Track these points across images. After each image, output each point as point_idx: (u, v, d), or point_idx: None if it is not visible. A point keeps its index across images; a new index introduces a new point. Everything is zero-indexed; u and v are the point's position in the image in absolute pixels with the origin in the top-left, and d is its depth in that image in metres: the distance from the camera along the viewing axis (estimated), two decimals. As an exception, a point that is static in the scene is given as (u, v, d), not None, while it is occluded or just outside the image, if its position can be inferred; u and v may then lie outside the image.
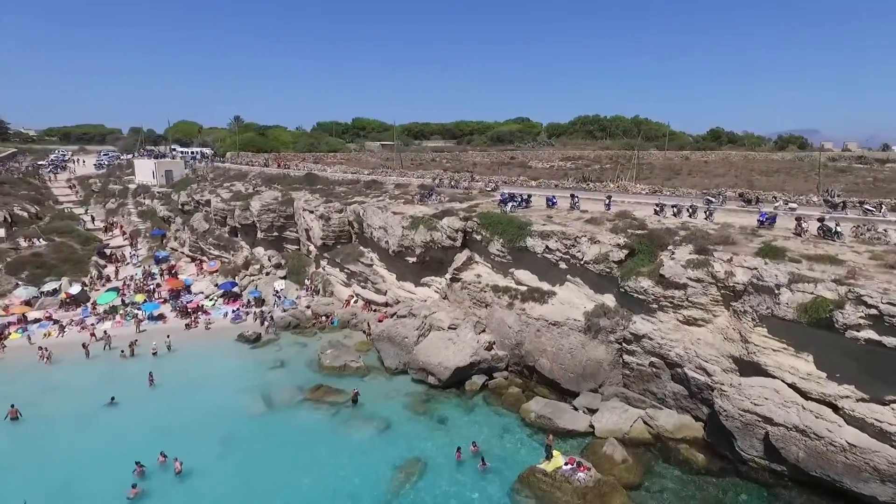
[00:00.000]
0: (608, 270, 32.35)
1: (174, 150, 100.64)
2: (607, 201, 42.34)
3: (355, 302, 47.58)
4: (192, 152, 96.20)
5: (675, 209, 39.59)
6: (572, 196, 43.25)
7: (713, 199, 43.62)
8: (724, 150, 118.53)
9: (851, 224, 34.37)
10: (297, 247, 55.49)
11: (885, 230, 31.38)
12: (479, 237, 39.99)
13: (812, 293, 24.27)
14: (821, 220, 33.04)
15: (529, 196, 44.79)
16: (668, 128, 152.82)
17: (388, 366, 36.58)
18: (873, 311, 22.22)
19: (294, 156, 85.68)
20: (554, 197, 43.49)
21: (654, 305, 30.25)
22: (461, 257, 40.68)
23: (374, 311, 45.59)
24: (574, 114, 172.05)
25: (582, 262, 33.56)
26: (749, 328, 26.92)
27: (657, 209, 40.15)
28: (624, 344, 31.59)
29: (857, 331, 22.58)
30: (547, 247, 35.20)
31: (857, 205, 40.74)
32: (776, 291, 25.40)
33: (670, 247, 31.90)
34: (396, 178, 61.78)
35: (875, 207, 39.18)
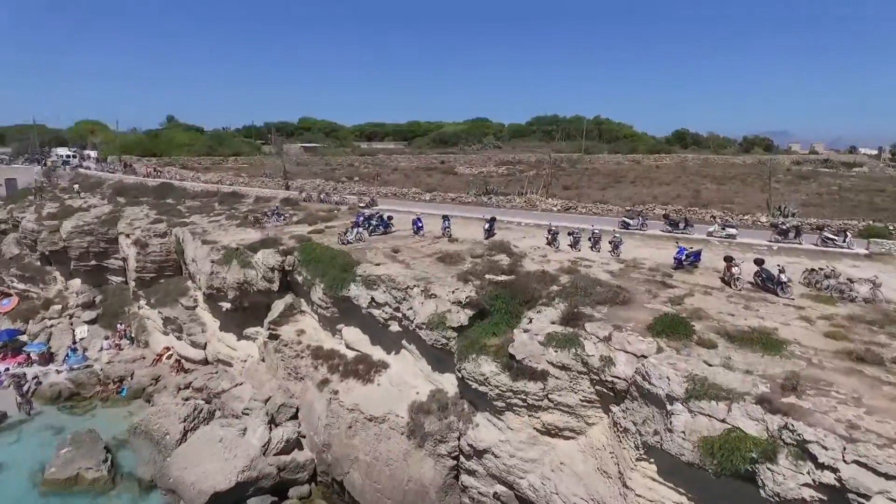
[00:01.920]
0: (443, 342, 21.32)
1: (52, 153, 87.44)
2: (487, 225, 31.41)
3: (168, 357, 35.84)
4: (66, 156, 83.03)
5: (573, 238, 28.85)
6: (444, 219, 32.22)
7: (630, 222, 33.01)
8: (681, 153, 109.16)
9: (804, 265, 23.98)
10: (123, 278, 43.46)
11: (851, 282, 20.89)
12: (300, 278, 28.71)
13: (723, 421, 13.49)
14: (759, 262, 22.49)
15: (390, 217, 33.66)
16: (630, 129, 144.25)
17: (140, 476, 24.83)
18: (827, 477, 11.54)
19: (180, 161, 73.05)
20: (419, 220, 32.42)
21: (501, 403, 19.31)
22: (279, 305, 29.34)
23: (188, 371, 33.96)
24: (536, 113, 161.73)
25: (414, 326, 22.49)
26: (630, 460, 16.12)
27: (549, 237, 29.37)
28: (462, 459, 20.61)
29: (800, 510, 11.87)
30: (373, 299, 24.07)
31: (816, 230, 30.49)
32: (668, 407, 14.63)
33: (541, 303, 21.09)
34: (259, 189, 50.13)
35: (837, 235, 28.93)
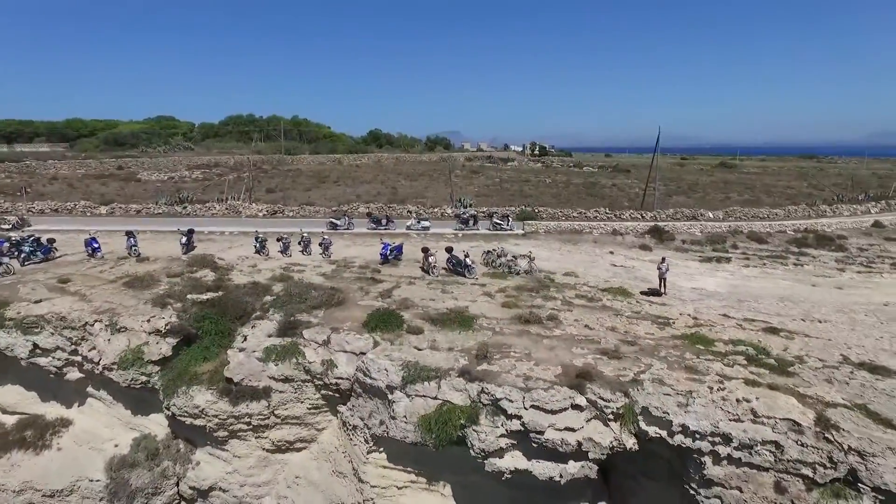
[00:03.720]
0: (143, 380, 18.38)
1: None
2: (184, 239, 28.23)
3: None
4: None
5: (283, 244, 28.15)
6: (128, 235, 27.61)
7: (337, 222, 33.99)
8: (377, 152, 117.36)
9: (482, 248, 28.47)
10: None
11: (515, 258, 25.71)
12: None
13: (435, 398, 15.06)
14: (449, 249, 25.81)
15: (51, 240, 27.25)
16: (328, 129, 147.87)
17: None
18: (515, 424, 14.00)
19: None
20: (94, 240, 27.07)
21: (223, 433, 17.71)
22: None
23: None
24: (230, 112, 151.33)
25: (101, 369, 18.72)
26: (362, 455, 16.71)
27: (257, 245, 28.04)
28: (183, 505, 18.29)
29: (500, 458, 14.11)
30: (36, 346, 19.10)
31: (488, 217, 36.50)
32: (390, 397, 15.59)
33: (255, 317, 19.92)
34: None
35: (503, 219, 35.16)
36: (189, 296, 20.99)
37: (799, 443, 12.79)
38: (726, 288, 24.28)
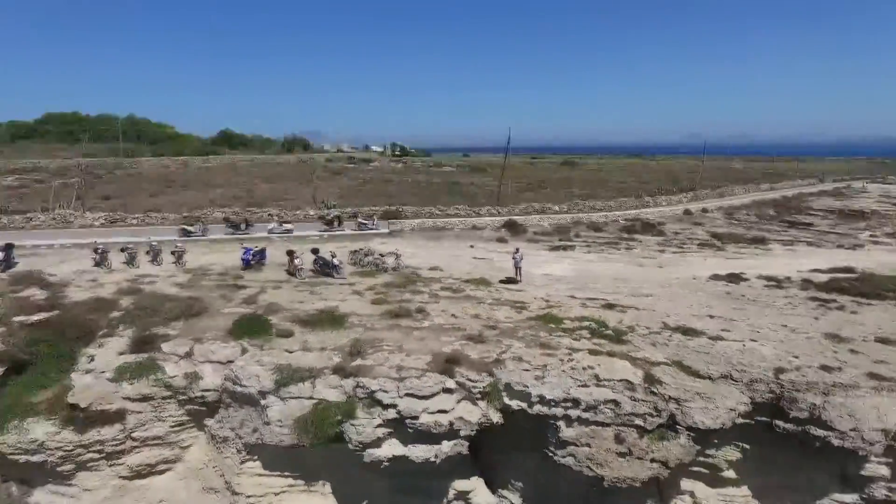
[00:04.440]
0: (-40, 419, 15.90)
1: None
2: (2, 255, 24.61)
3: None
4: None
5: (129, 254, 25.77)
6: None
7: (190, 229, 31.87)
8: (230, 153, 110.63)
9: (349, 248, 28.64)
10: None
11: (382, 256, 26.31)
12: None
13: (311, 397, 15.11)
14: (315, 251, 25.65)
15: None
16: (172, 129, 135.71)
17: None
18: (391, 413, 14.60)
19: None
20: None
21: (70, 465, 15.99)
22: None
23: None
24: (47, 110, 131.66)
25: None
26: (235, 466, 16.16)
27: (97, 258, 25.37)
28: (21, 555, 16.18)
29: (378, 448, 14.61)
30: None
31: (353, 218, 36.65)
32: (262, 402, 15.30)
33: (102, 335, 18.14)
34: None
35: (367, 219, 35.60)
36: (15, 318, 18.48)
37: (632, 398, 15.02)
38: (572, 272, 27.17)
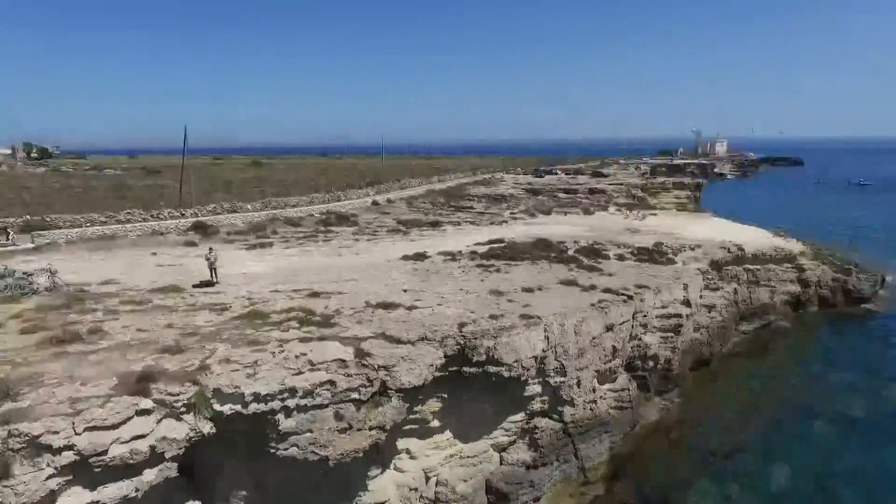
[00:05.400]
0: None
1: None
2: None
3: None
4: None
5: None
6: None
7: None
8: None
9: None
10: None
11: (29, 276, 20.96)
12: None
13: (-67, 469, 11.12)
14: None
15: None
16: None
17: None
18: (70, 457, 11.89)
19: None
20: None
21: None
22: None
23: None
24: None
25: None
26: None
27: None
28: None
29: (53, 504, 11.74)
30: None
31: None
32: None
33: None
34: None
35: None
36: None
37: (347, 375, 15.67)
38: (273, 269, 26.59)
